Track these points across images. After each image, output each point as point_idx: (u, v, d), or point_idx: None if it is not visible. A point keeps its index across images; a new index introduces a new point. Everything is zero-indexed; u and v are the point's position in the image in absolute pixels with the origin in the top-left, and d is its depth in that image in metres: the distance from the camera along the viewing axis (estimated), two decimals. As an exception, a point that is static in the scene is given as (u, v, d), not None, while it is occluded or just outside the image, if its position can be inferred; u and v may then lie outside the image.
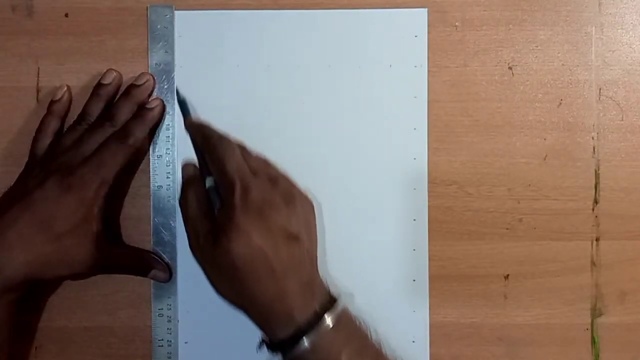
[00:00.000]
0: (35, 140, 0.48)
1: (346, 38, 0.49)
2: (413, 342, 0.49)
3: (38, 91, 0.49)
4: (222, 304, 0.49)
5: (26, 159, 0.48)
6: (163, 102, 0.49)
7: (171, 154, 0.49)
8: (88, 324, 0.49)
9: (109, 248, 0.47)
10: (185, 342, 0.49)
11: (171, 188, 0.49)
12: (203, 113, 0.49)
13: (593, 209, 0.50)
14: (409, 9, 0.49)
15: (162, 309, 0.49)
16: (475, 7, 0.50)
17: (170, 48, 0.49)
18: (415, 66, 0.49)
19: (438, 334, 0.49)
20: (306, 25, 0.49)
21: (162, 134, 0.49)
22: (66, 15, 0.50)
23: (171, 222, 0.49)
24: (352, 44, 0.49)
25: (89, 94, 0.48)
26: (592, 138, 0.50)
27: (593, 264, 0.50)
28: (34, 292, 0.48)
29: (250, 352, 0.49)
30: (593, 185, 0.50)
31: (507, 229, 0.50)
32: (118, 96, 0.48)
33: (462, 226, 0.50)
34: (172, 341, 0.49)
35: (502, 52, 0.50)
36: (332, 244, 0.49)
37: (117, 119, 0.47)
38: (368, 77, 0.49)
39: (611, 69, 0.50)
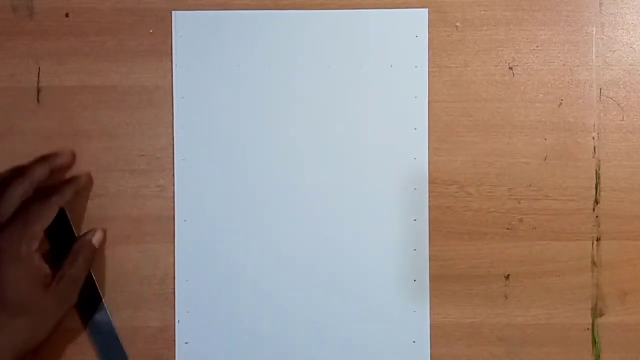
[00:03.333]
0: None
1: (346, 38, 0.49)
2: (413, 342, 0.49)
3: (38, 91, 0.49)
4: (222, 304, 0.49)
5: (26, 159, 0.48)
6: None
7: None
8: (88, 324, 0.50)
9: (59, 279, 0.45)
10: (186, 342, 0.49)
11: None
12: (203, 113, 0.49)
13: (593, 209, 0.50)
14: (409, 9, 0.49)
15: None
16: (475, 7, 0.50)
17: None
18: (415, 66, 0.49)
19: (438, 334, 0.49)
20: (306, 25, 0.49)
21: None
22: (67, 15, 0.50)
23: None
24: (352, 44, 0.49)
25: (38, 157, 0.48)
26: (593, 138, 0.50)
27: (593, 264, 0.50)
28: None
29: (249, 352, 0.49)
30: (593, 185, 0.50)
31: (508, 229, 0.50)
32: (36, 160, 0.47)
33: (463, 226, 0.50)
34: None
35: (503, 52, 0.50)
36: (332, 244, 0.49)
37: (33, 177, 0.46)
38: (368, 77, 0.49)
39: (612, 69, 0.50)
